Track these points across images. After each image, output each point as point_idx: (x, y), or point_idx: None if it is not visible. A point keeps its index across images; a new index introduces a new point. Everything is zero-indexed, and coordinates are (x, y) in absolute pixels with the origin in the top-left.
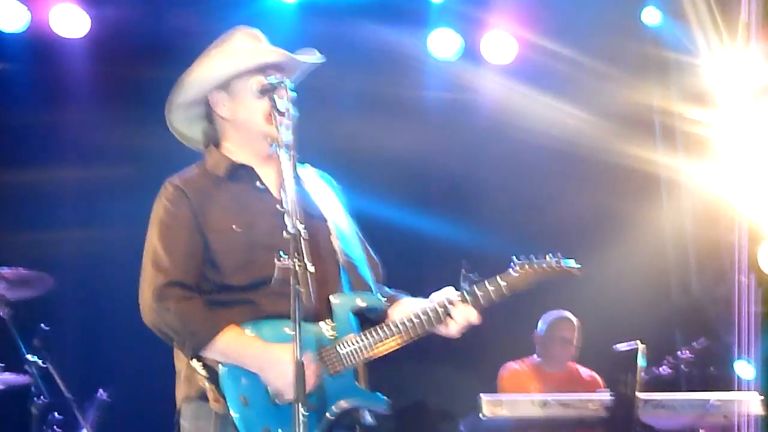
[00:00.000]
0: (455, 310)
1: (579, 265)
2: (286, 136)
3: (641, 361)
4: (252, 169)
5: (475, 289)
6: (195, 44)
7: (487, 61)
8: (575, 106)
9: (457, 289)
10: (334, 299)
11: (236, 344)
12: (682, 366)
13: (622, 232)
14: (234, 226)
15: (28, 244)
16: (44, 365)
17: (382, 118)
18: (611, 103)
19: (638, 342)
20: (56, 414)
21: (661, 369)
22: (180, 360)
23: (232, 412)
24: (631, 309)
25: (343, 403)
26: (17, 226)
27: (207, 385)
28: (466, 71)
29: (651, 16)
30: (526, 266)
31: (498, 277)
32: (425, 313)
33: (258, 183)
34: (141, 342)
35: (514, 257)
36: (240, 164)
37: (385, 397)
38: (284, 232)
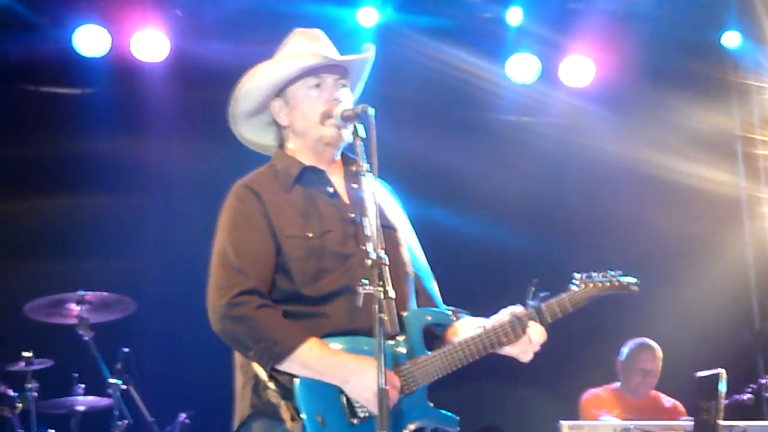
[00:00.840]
0: (525, 328)
1: (637, 280)
2: (367, 159)
3: (723, 388)
4: (324, 172)
5: (542, 305)
6: None
7: (564, 85)
8: (653, 128)
9: (523, 306)
10: (406, 315)
11: (320, 354)
12: (765, 393)
13: (704, 257)
14: (309, 234)
15: (111, 267)
16: (126, 388)
17: (459, 140)
18: (691, 127)
19: (720, 369)
20: None
21: (744, 396)
22: (245, 372)
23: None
24: (713, 335)
25: (417, 423)
26: (100, 250)
27: (281, 402)
28: (544, 94)
29: (731, 39)
30: (589, 283)
31: (564, 294)
32: (495, 331)
33: (329, 188)
34: (222, 365)
35: (575, 273)
36: (311, 166)
37: (455, 416)
38: (367, 260)
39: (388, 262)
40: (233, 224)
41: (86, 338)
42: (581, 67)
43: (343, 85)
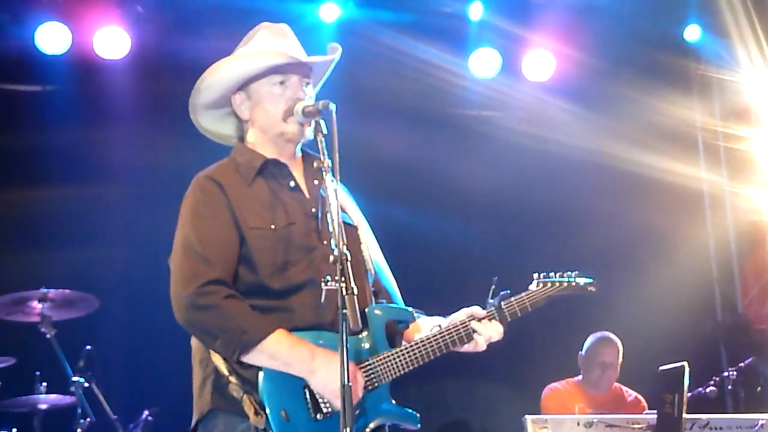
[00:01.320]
0: (482, 327)
1: (593, 281)
2: (328, 155)
3: (686, 381)
4: (286, 166)
5: (502, 305)
6: None
7: (526, 78)
8: (615, 121)
9: (483, 306)
10: (369, 311)
11: (288, 344)
12: (728, 386)
13: (667, 249)
14: (272, 226)
15: (73, 264)
16: (89, 386)
17: (422, 135)
18: (653, 119)
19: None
20: None
21: (707, 389)
22: (204, 368)
23: (272, 426)
24: (676, 328)
25: (379, 420)
26: (62, 246)
27: (243, 396)
28: (506, 89)
29: (692, 32)
30: (548, 283)
31: (523, 294)
32: (455, 330)
33: (291, 181)
34: (185, 361)
35: (535, 274)
36: (273, 159)
37: (416, 414)
38: (330, 256)
39: (350, 258)
40: (196, 214)
41: (49, 336)
42: (542, 61)
43: (307, 83)
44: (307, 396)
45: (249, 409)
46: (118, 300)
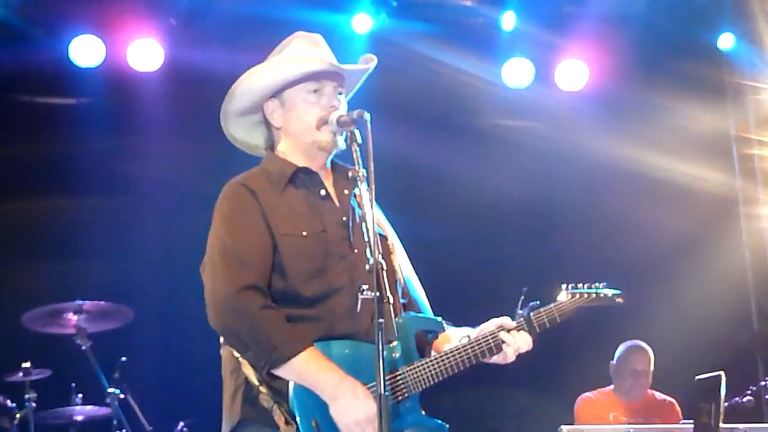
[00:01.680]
0: (511, 338)
1: (620, 292)
2: (365, 167)
3: (723, 390)
4: (317, 174)
5: (531, 315)
6: None
7: (559, 88)
8: (649, 131)
9: (512, 316)
10: (400, 320)
11: (315, 368)
12: (765, 395)
13: (701, 258)
14: (303, 233)
15: (108, 276)
16: (124, 397)
17: (454, 145)
18: (686, 128)
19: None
20: None
21: (743, 399)
22: (235, 378)
23: None
24: (712, 338)
25: (409, 430)
26: (97, 258)
27: (274, 405)
28: (539, 98)
29: (726, 41)
30: (576, 294)
31: (552, 305)
32: (484, 340)
33: (321, 190)
34: (219, 372)
35: (563, 285)
36: (304, 168)
37: (446, 425)
38: (366, 266)
39: (386, 268)
40: (231, 220)
41: (84, 348)
42: (575, 71)
43: (341, 93)
44: None
45: (279, 419)
46: (152, 311)
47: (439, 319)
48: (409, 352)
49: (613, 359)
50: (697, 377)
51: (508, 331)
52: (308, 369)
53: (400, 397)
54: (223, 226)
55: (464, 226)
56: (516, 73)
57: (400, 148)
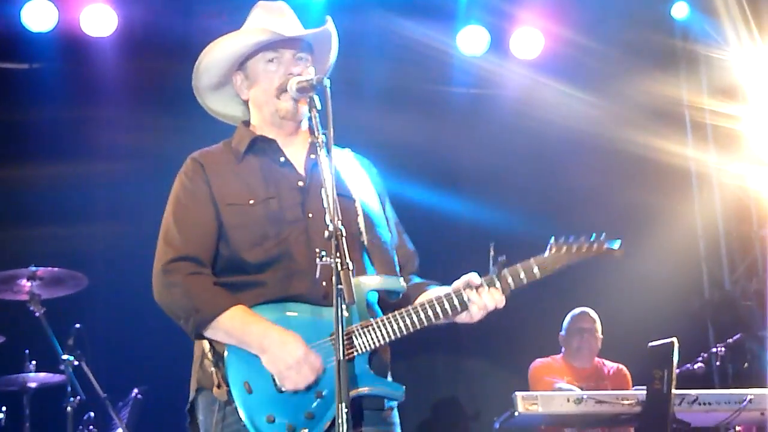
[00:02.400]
0: (476, 295)
1: (618, 242)
2: (324, 132)
3: (676, 357)
4: (275, 142)
5: (505, 271)
6: None
7: (514, 56)
8: (603, 99)
9: (482, 274)
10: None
11: (240, 323)
12: (716, 362)
13: (653, 226)
14: (251, 201)
15: (61, 242)
16: (78, 364)
17: (409, 111)
18: (640, 97)
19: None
20: (91, 413)
21: (695, 365)
22: (197, 348)
23: (234, 399)
24: (664, 305)
25: (357, 390)
26: (49, 224)
27: (213, 369)
28: (495, 66)
29: (680, 9)
30: (563, 247)
31: (531, 259)
32: (445, 299)
33: (280, 157)
34: (176, 339)
35: (552, 238)
36: (262, 137)
37: (401, 385)
38: (325, 231)
39: (344, 233)
40: (176, 198)
41: (38, 314)
42: (531, 39)
43: (302, 59)
44: None
45: (214, 382)
46: (107, 278)
47: (400, 278)
48: (360, 311)
49: (561, 330)
50: (649, 344)
51: (476, 288)
52: (233, 325)
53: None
54: (171, 206)
55: (421, 192)
56: (471, 40)
57: (358, 115)
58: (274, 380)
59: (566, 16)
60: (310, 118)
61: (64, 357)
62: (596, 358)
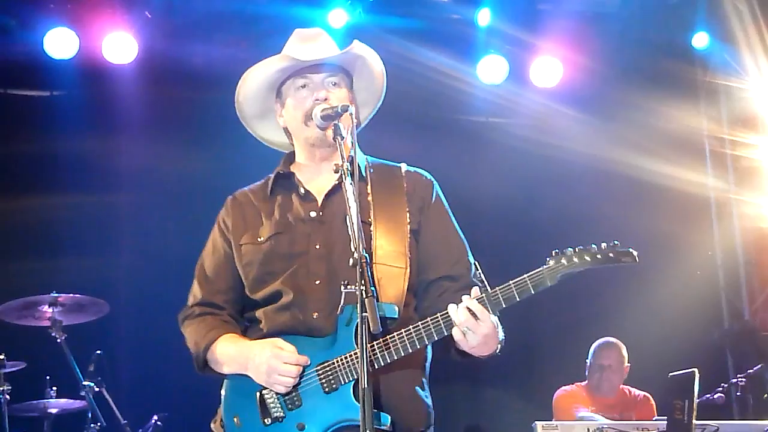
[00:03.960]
0: (455, 314)
1: (630, 249)
2: (346, 160)
3: (697, 387)
4: (292, 175)
5: (497, 289)
6: (241, 70)
7: (533, 85)
8: (623, 128)
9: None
10: (339, 312)
11: (223, 348)
12: (736, 392)
13: (674, 256)
14: (260, 238)
15: (83, 269)
16: (99, 390)
17: (429, 141)
18: (660, 126)
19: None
20: None
21: (714, 396)
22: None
23: None
24: (684, 335)
25: (341, 421)
26: (73, 251)
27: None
28: (513, 95)
29: (699, 40)
30: (562, 258)
31: (526, 275)
32: (433, 320)
33: (300, 189)
34: (193, 367)
35: (554, 251)
36: (282, 173)
37: (387, 415)
38: (350, 259)
39: (368, 260)
40: (211, 237)
41: (59, 340)
42: (550, 68)
43: (334, 84)
44: (258, 401)
45: (217, 417)
46: (128, 305)
47: (394, 306)
48: (344, 342)
49: (587, 357)
50: (670, 374)
51: (464, 306)
52: (222, 352)
53: (327, 389)
54: (207, 244)
55: None
56: (491, 69)
57: (375, 145)
58: (260, 414)
59: (585, 46)
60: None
61: (85, 383)
62: (622, 385)
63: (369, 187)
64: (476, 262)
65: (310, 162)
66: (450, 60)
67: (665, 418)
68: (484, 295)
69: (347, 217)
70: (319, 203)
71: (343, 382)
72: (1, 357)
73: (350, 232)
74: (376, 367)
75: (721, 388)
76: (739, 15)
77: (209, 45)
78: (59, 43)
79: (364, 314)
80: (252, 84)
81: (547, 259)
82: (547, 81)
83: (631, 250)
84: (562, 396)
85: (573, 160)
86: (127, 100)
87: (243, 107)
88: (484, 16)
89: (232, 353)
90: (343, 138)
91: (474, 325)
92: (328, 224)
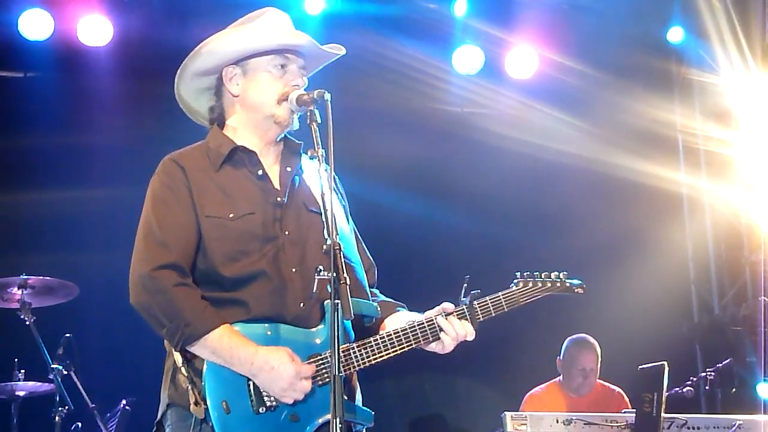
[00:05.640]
0: (448, 325)
1: (581, 282)
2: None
3: (666, 380)
4: (255, 154)
5: (475, 304)
6: None
7: (509, 76)
8: (596, 122)
9: (456, 304)
10: (327, 304)
11: (229, 344)
12: (705, 386)
13: (644, 250)
14: (231, 215)
15: (54, 253)
16: (67, 373)
17: (404, 130)
18: (633, 121)
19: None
20: (79, 423)
21: (683, 389)
22: (167, 361)
23: (211, 417)
24: (654, 328)
25: (324, 417)
26: (43, 236)
27: (189, 386)
28: (489, 86)
29: (675, 34)
30: (529, 282)
31: (500, 293)
32: (419, 326)
33: (259, 170)
34: (163, 351)
35: (517, 273)
36: (242, 147)
37: (370, 411)
38: (323, 246)
39: (342, 248)
40: (158, 198)
41: (28, 323)
42: (525, 59)
43: (303, 74)
44: (251, 389)
45: (191, 399)
46: (97, 288)
47: (375, 303)
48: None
49: (559, 354)
50: (640, 366)
51: (446, 316)
52: (221, 346)
53: (320, 382)
54: (150, 206)
55: (414, 211)
56: (466, 59)
57: (350, 133)
58: (251, 400)
59: (561, 38)
60: (289, 132)
61: (54, 366)
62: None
63: (310, 179)
64: None
65: (259, 139)
66: (426, 49)
67: (634, 410)
68: (467, 310)
69: (311, 203)
70: (279, 188)
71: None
72: None
73: (323, 219)
74: (363, 367)
75: (690, 382)
76: (712, 9)
77: (184, 28)
78: (34, 24)
79: (336, 301)
80: (234, 44)
81: (516, 281)
82: (523, 72)
83: (581, 282)
84: (529, 403)
85: (547, 154)
86: (101, 82)
87: (200, 58)
88: (460, 7)
89: (240, 355)
90: (318, 124)
91: (463, 338)
92: (291, 211)
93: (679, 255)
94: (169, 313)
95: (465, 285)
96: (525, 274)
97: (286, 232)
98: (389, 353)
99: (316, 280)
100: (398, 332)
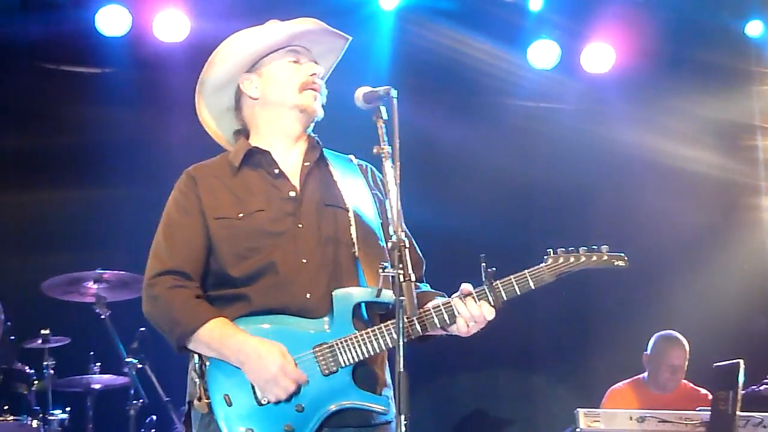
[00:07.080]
0: (462, 306)
1: (623, 255)
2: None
3: (741, 378)
4: (269, 154)
5: (497, 283)
6: None
7: (584, 71)
8: (673, 118)
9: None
10: (334, 294)
11: (218, 335)
12: None
13: (722, 246)
14: (240, 214)
15: (129, 247)
16: (142, 367)
17: (478, 125)
18: (711, 116)
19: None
20: (153, 417)
21: (760, 387)
22: (190, 358)
23: (213, 411)
24: (731, 325)
25: (339, 404)
26: (119, 230)
27: (197, 381)
28: (564, 81)
29: (754, 28)
30: (560, 258)
31: (525, 271)
32: (434, 312)
33: (275, 169)
34: None
35: (550, 250)
36: (256, 148)
37: (385, 397)
38: (388, 242)
39: (407, 245)
40: (168, 213)
41: (103, 316)
42: (601, 54)
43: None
44: None
45: (197, 394)
46: None
47: (387, 291)
48: (341, 325)
49: (647, 349)
50: (715, 364)
51: (464, 298)
52: (212, 338)
53: (326, 371)
54: (161, 222)
55: (486, 206)
56: (542, 54)
57: (424, 128)
58: (254, 393)
59: (638, 32)
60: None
61: (128, 360)
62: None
63: (335, 175)
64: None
65: (284, 137)
66: (500, 44)
67: (709, 409)
68: (488, 290)
69: (329, 198)
70: (296, 184)
71: (342, 365)
72: (47, 332)
73: (389, 216)
74: (377, 353)
75: (767, 380)
76: None
77: (261, 23)
78: (111, 20)
79: (401, 298)
80: (243, 46)
81: (545, 257)
82: (599, 67)
83: (623, 254)
84: (611, 397)
85: (621, 148)
86: (177, 78)
87: (212, 68)
88: (536, 1)
89: (229, 345)
90: (384, 120)
91: (481, 319)
92: (307, 204)
93: (758, 251)
94: (164, 316)
95: (483, 264)
96: (559, 249)
97: (299, 225)
98: (408, 339)
99: (381, 277)
100: (413, 319)
